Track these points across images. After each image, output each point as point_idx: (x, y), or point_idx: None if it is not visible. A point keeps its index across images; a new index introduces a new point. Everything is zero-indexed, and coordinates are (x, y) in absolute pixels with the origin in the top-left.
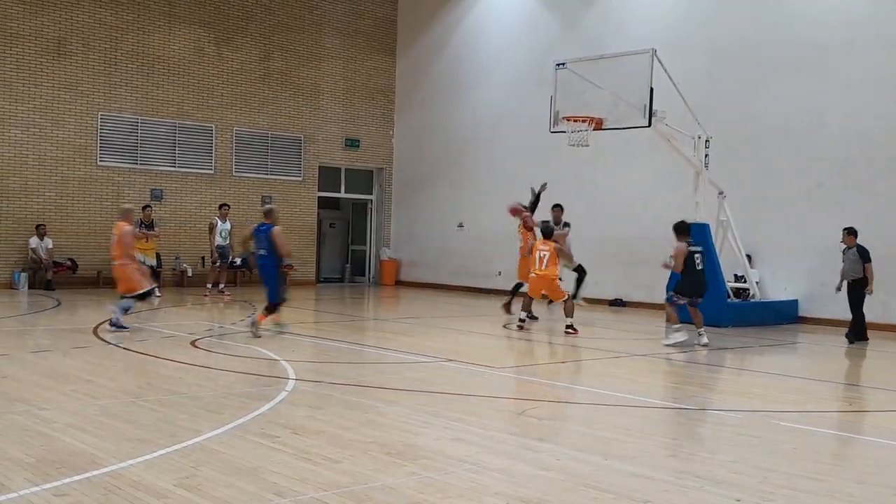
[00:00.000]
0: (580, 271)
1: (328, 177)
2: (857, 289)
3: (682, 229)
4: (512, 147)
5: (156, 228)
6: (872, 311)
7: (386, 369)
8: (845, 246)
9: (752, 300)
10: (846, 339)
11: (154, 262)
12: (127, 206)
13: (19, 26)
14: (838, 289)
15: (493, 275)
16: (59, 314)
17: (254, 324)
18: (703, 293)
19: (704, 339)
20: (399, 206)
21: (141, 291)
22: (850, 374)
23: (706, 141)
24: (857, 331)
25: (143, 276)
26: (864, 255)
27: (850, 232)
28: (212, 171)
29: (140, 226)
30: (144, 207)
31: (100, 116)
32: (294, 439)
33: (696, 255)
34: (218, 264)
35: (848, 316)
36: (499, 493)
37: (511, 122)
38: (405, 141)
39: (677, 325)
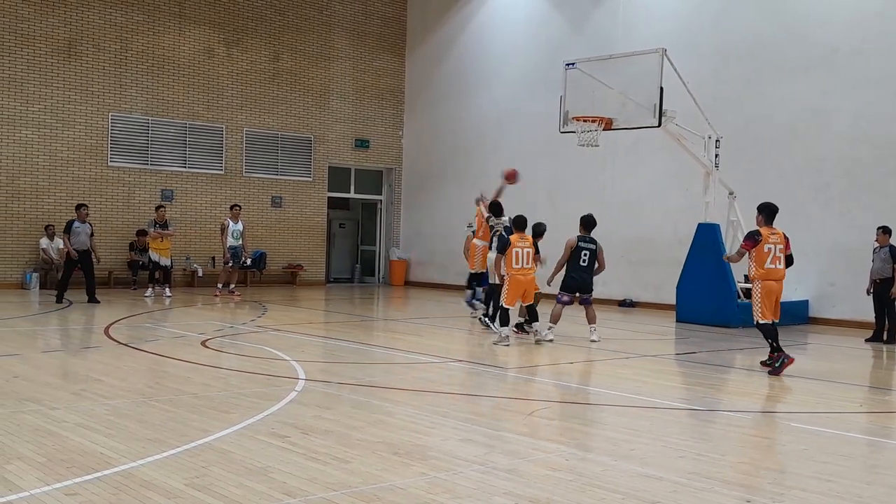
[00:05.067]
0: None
1: (338, 177)
2: (886, 289)
3: (585, 223)
4: (521, 147)
5: (170, 228)
6: None
7: (395, 370)
8: (877, 245)
9: None
10: (881, 343)
11: (168, 262)
12: None
13: (30, 27)
14: (868, 291)
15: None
16: (70, 314)
17: None
18: (587, 290)
19: (594, 337)
20: (408, 206)
21: None
22: (861, 375)
23: (716, 141)
24: (883, 331)
25: None
26: (894, 255)
27: (885, 231)
28: (222, 172)
29: (154, 226)
30: (158, 207)
31: (110, 117)
32: (303, 439)
33: (584, 252)
34: (230, 265)
35: (860, 317)
36: (507, 494)
37: (520, 121)
38: (414, 141)
39: (552, 325)
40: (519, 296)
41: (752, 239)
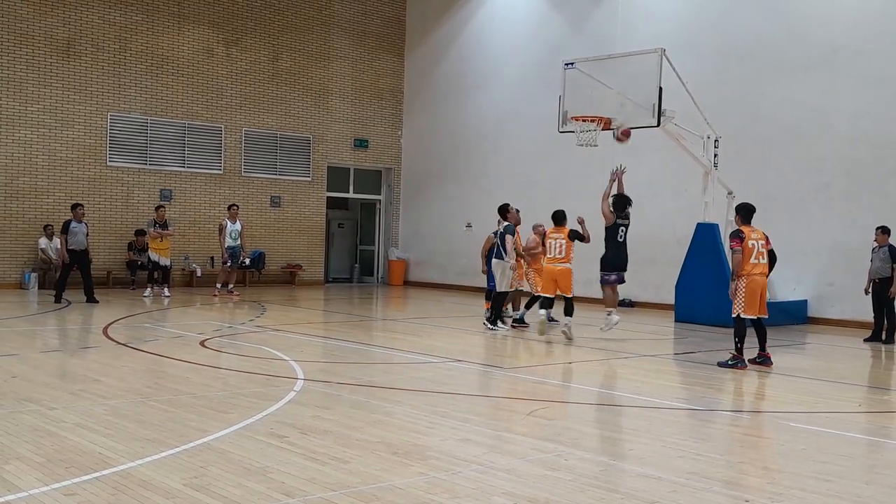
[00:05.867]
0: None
1: (337, 177)
2: (884, 288)
3: (618, 204)
4: (520, 147)
5: (170, 227)
6: None
7: (394, 369)
8: (876, 244)
9: None
10: (880, 342)
11: (168, 262)
12: None
13: (28, 27)
14: (867, 290)
15: None
16: (69, 314)
17: None
18: (625, 268)
19: (616, 317)
20: (407, 206)
21: None
22: (859, 374)
23: (715, 141)
24: (882, 331)
25: None
26: (894, 254)
27: (884, 230)
28: (221, 172)
29: (154, 226)
30: (158, 207)
31: (109, 117)
32: (302, 439)
33: (622, 228)
34: (228, 265)
35: (859, 317)
36: (506, 494)
37: (519, 121)
38: (413, 141)
39: (610, 309)
40: (551, 284)
41: (738, 237)
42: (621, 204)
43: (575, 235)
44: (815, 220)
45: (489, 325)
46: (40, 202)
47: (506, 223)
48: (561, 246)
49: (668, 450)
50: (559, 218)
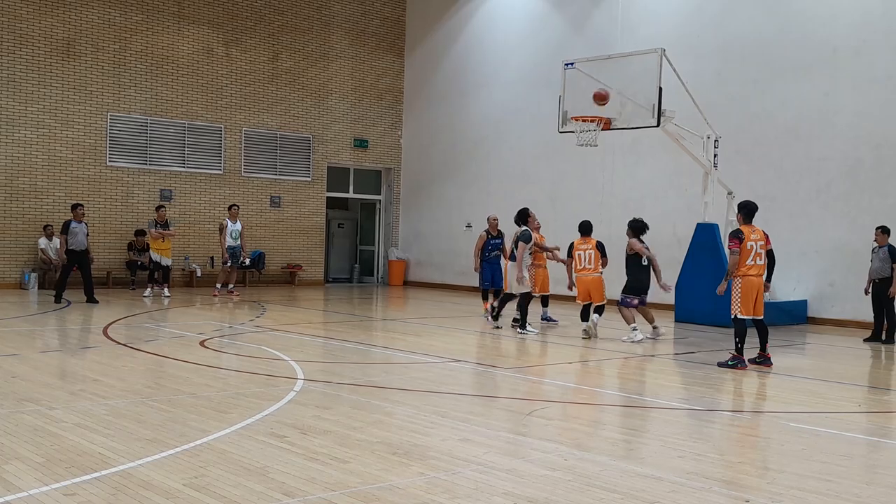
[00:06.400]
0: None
1: (337, 177)
2: (884, 288)
3: (640, 229)
4: (520, 147)
5: (171, 228)
6: None
7: (394, 369)
8: (876, 245)
9: None
10: (880, 342)
11: (170, 262)
12: None
13: (28, 27)
14: (867, 290)
15: None
16: (69, 314)
17: None
18: (647, 290)
19: (662, 330)
20: (407, 206)
21: None
22: (859, 374)
23: (715, 141)
24: (881, 331)
25: None
26: (893, 254)
27: (884, 230)
28: (221, 172)
29: (155, 226)
30: (158, 208)
31: (109, 117)
32: (302, 439)
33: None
34: (228, 265)
35: (859, 317)
36: (506, 494)
37: (519, 121)
38: (413, 141)
39: (634, 325)
40: (584, 293)
41: (737, 237)
42: (640, 229)
43: (602, 248)
44: (815, 221)
45: (519, 330)
46: (40, 202)
47: (523, 228)
48: (590, 256)
49: (668, 450)
50: (586, 229)
